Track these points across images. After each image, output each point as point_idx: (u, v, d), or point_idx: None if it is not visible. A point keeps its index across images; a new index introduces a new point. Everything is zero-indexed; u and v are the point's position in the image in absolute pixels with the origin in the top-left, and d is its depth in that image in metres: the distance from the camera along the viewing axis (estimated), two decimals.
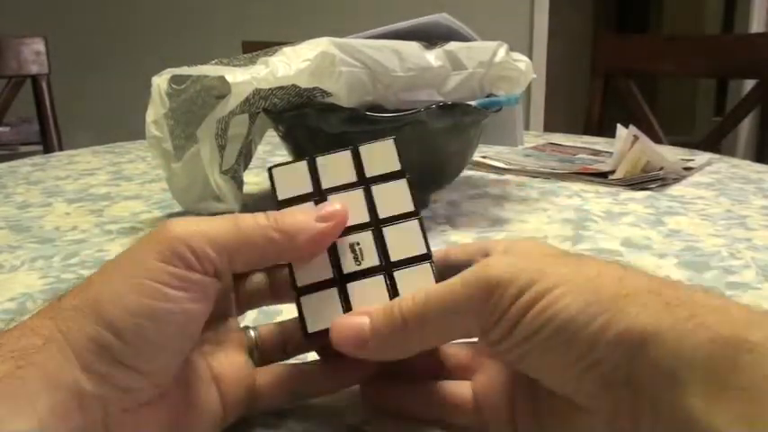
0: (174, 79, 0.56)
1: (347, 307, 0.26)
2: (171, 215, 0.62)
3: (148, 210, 0.64)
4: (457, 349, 0.29)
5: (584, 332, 0.20)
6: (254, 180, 0.73)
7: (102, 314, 0.22)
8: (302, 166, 0.28)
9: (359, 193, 0.27)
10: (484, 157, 0.83)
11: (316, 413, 0.29)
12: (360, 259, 0.27)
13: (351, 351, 0.25)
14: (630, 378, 0.20)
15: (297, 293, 0.26)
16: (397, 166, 0.28)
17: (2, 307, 0.41)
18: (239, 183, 0.59)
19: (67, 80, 2.07)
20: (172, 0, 2.78)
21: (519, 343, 0.22)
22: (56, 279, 0.46)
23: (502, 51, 0.61)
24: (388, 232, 0.27)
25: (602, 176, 0.75)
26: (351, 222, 0.27)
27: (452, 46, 0.58)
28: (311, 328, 0.26)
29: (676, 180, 0.75)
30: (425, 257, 0.27)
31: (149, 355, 0.23)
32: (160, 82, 0.56)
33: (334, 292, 0.26)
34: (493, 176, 0.78)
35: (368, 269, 0.27)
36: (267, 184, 0.77)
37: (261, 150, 0.91)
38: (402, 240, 0.27)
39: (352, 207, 0.27)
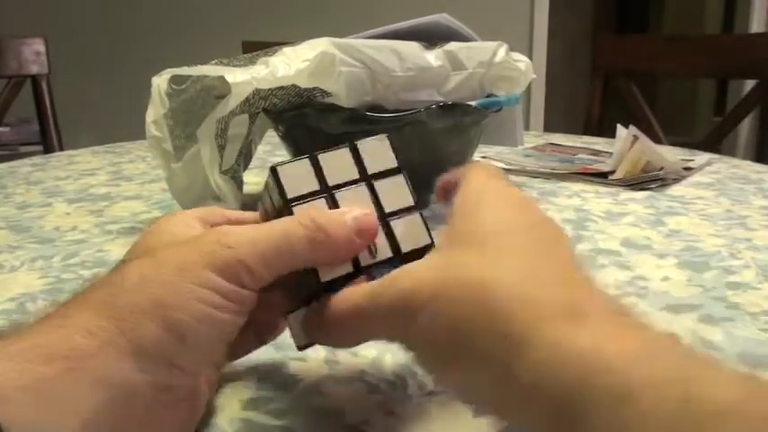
0: (174, 79, 0.56)
1: None
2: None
3: (148, 210, 0.64)
4: None
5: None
6: (254, 180, 0.73)
7: (168, 318, 0.22)
8: (305, 163, 0.28)
9: (363, 190, 0.28)
10: (484, 157, 0.83)
11: (315, 413, 0.29)
12: (374, 253, 0.28)
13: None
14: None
15: (320, 289, 0.27)
16: (394, 163, 0.29)
17: (2, 307, 0.41)
18: (239, 183, 0.59)
19: (67, 80, 2.07)
20: (172, 0, 2.78)
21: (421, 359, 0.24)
22: (56, 279, 0.46)
23: (502, 51, 0.61)
24: (396, 226, 0.28)
25: (602, 176, 0.75)
26: None
27: (452, 46, 0.58)
28: (299, 343, 0.28)
29: (676, 180, 0.75)
30: (430, 248, 0.28)
31: (201, 359, 0.24)
32: (160, 82, 0.56)
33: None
34: None
35: (381, 262, 0.28)
36: None
37: (261, 150, 0.91)
38: (409, 233, 0.28)
39: (360, 202, 0.28)
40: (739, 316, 0.39)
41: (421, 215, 0.29)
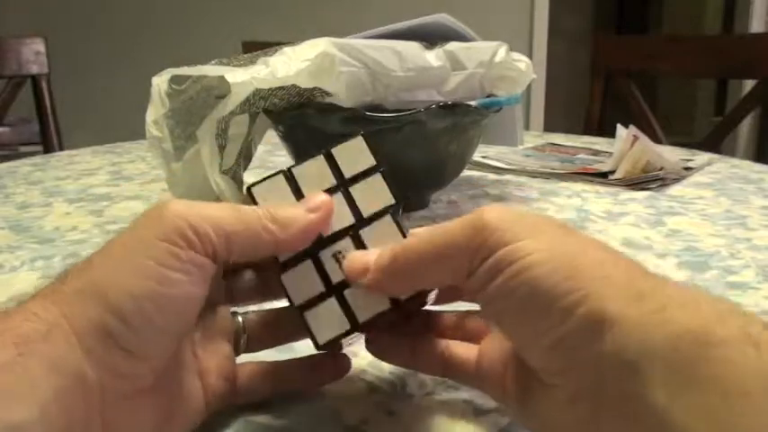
0: (174, 79, 0.56)
1: (348, 313, 0.27)
2: None
3: None
4: (472, 315, 0.30)
5: (557, 304, 0.21)
6: (253, 180, 0.73)
7: (106, 298, 0.22)
8: (280, 179, 0.28)
9: (339, 197, 0.28)
10: (484, 157, 0.83)
11: (315, 413, 0.29)
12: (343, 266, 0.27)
13: (354, 278, 0.26)
14: (594, 363, 0.20)
15: (299, 311, 0.27)
16: (371, 162, 0.28)
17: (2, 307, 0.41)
18: (239, 183, 0.59)
19: (67, 80, 2.07)
20: (172, 0, 2.78)
21: (494, 298, 0.22)
22: None
23: (502, 51, 0.61)
24: (367, 234, 0.27)
25: (602, 176, 0.75)
26: (336, 227, 0.27)
27: (452, 46, 0.58)
28: (321, 340, 0.27)
29: (676, 180, 0.75)
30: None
31: (150, 340, 0.23)
32: (160, 82, 0.56)
33: (333, 301, 0.27)
34: (493, 176, 0.78)
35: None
36: None
37: (261, 150, 0.91)
38: (380, 234, 0.27)
39: (337, 212, 0.27)
40: None
41: (394, 215, 0.28)
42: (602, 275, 0.21)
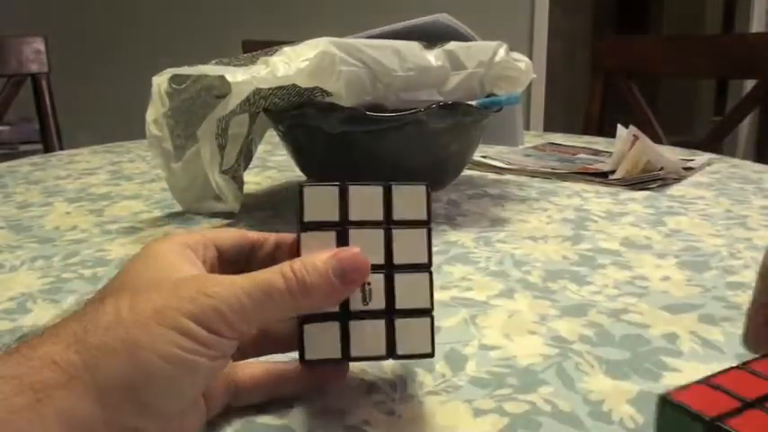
0: (174, 79, 0.56)
1: (345, 343, 0.27)
2: (171, 215, 0.62)
3: (148, 210, 0.64)
4: None
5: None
6: (254, 180, 0.73)
7: (138, 358, 0.22)
8: (333, 191, 0.28)
9: (379, 234, 0.28)
10: (484, 157, 0.83)
11: (315, 413, 0.29)
12: (367, 300, 0.27)
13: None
14: None
15: (300, 321, 0.27)
16: (423, 216, 0.28)
17: (2, 307, 0.41)
18: (239, 182, 0.59)
19: (68, 79, 2.07)
20: (172, 0, 2.78)
21: None
22: (56, 279, 0.46)
23: (502, 51, 0.61)
24: (399, 280, 0.28)
25: (602, 176, 0.75)
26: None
27: (452, 46, 0.58)
28: (308, 356, 0.27)
29: (676, 180, 0.75)
30: (427, 312, 0.28)
31: (171, 401, 0.24)
32: (160, 82, 0.56)
33: (335, 326, 0.27)
34: (493, 176, 0.78)
35: (372, 311, 0.27)
36: (267, 184, 0.77)
37: (261, 150, 0.91)
38: (410, 291, 0.28)
39: (370, 246, 0.27)
40: (739, 316, 0.39)
41: (430, 277, 0.28)
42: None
